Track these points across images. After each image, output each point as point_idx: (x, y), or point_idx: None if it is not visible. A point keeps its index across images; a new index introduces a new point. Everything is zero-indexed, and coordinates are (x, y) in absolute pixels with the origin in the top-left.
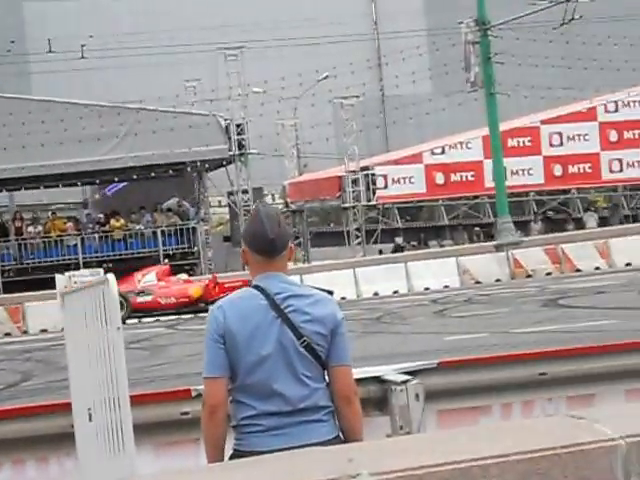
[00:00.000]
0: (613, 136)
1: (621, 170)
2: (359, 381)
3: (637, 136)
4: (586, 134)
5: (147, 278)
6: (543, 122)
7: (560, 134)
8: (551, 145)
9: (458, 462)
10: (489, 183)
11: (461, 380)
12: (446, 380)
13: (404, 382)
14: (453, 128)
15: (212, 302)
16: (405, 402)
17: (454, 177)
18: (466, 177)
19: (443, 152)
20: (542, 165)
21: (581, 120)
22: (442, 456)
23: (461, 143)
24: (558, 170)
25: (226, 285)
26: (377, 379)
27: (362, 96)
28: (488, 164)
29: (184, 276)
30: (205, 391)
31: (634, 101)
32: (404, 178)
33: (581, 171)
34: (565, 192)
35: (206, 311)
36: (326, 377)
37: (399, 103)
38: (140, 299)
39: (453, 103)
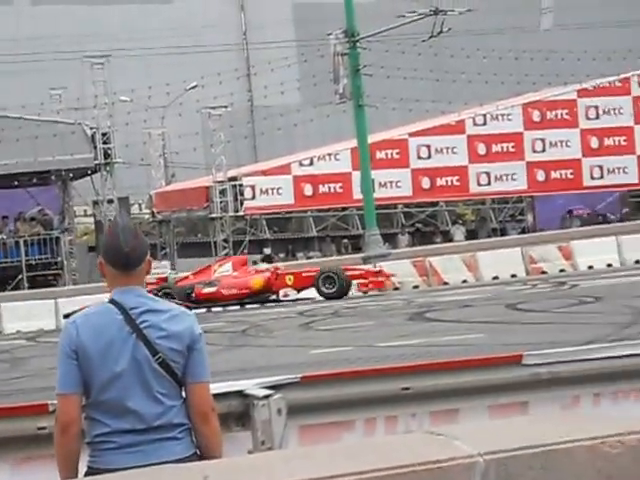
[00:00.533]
0: (481, 149)
1: (489, 183)
2: (220, 395)
3: (505, 149)
4: (454, 147)
5: (223, 268)
6: (411, 135)
7: (428, 147)
8: (419, 158)
9: None
10: (357, 195)
11: (324, 395)
12: (309, 395)
13: (266, 397)
14: (322, 139)
15: (275, 293)
16: (267, 417)
17: (322, 188)
18: (334, 189)
19: (311, 163)
20: (410, 178)
21: (450, 133)
22: (298, 473)
23: (329, 155)
24: (426, 183)
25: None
26: (239, 393)
27: (230, 106)
28: (356, 176)
29: (263, 265)
30: (57, 408)
31: (502, 114)
32: (272, 189)
33: (449, 184)
34: (433, 205)
35: (269, 301)
36: (183, 394)
37: (268, 114)
38: (205, 290)
39: (322, 114)
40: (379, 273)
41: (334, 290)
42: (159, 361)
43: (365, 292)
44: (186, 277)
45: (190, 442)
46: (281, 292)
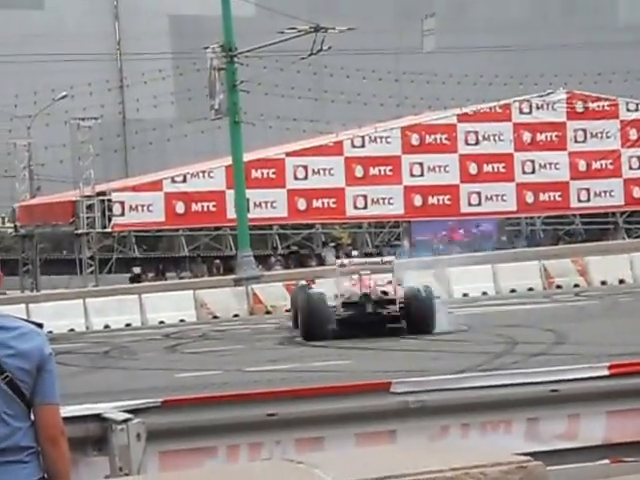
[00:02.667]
0: (359, 171)
1: (365, 207)
2: (77, 419)
3: (384, 172)
4: (332, 168)
5: None
6: (288, 154)
7: (305, 167)
8: (295, 178)
9: None
10: (231, 214)
11: (186, 420)
12: (170, 419)
13: (125, 421)
14: (196, 156)
15: None
16: (125, 442)
17: (195, 207)
18: (208, 207)
19: (184, 180)
20: (286, 198)
21: (327, 154)
22: None
23: (203, 172)
24: (302, 204)
25: None
26: (97, 417)
27: (101, 118)
28: (231, 195)
29: None
30: None
31: (381, 137)
32: (142, 206)
33: (325, 206)
34: (309, 227)
35: None
36: (31, 416)
37: (140, 127)
38: None
39: (196, 130)
40: None
41: None
42: (6, 380)
43: None
44: None
45: (37, 466)
46: None
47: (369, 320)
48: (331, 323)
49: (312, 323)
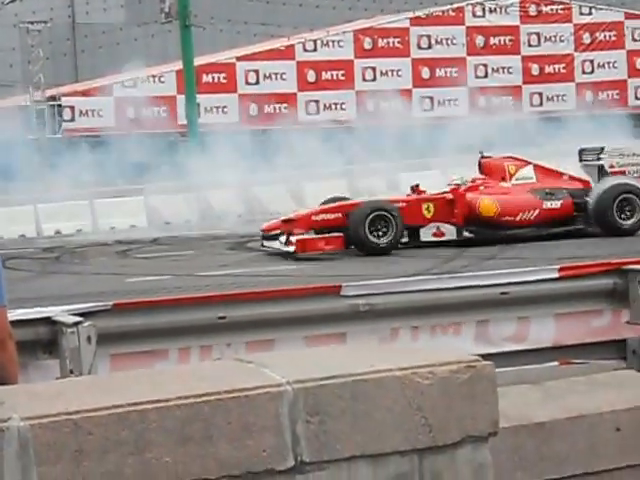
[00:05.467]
0: (311, 76)
1: (318, 112)
2: (28, 322)
3: (335, 77)
4: (284, 73)
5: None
6: (239, 59)
7: (257, 72)
8: (247, 83)
9: (116, 407)
10: (182, 120)
11: (137, 323)
12: (121, 323)
13: (76, 324)
14: (147, 60)
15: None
16: (76, 345)
17: (146, 112)
18: (159, 112)
19: (135, 85)
20: (237, 103)
21: (279, 58)
22: (99, 400)
23: (154, 77)
24: (254, 109)
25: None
26: (47, 320)
27: (50, 22)
28: (182, 100)
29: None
30: None
31: (333, 41)
32: (93, 110)
33: (277, 111)
34: (261, 132)
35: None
36: None
37: (90, 31)
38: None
39: (147, 34)
40: None
41: None
42: None
43: None
44: None
45: None
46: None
47: None
48: None
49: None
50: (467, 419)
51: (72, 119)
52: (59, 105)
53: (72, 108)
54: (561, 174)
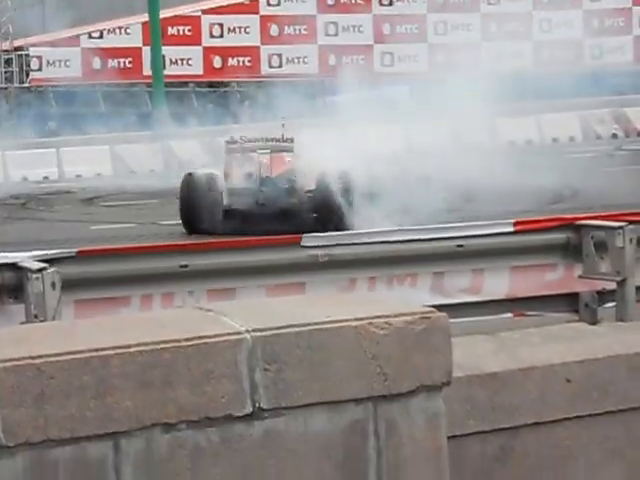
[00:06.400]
0: (274, 30)
1: (280, 65)
2: None
3: (298, 31)
4: (247, 27)
5: None
6: (204, 12)
7: (221, 25)
8: (211, 36)
9: (78, 352)
10: (147, 71)
11: (100, 270)
12: (85, 269)
13: (40, 270)
14: (113, 12)
15: None
16: (41, 290)
17: (112, 63)
18: (124, 63)
19: (101, 36)
20: (202, 56)
21: (243, 12)
22: (62, 346)
23: (120, 28)
24: (218, 62)
25: None
26: (13, 266)
27: None
28: (147, 51)
29: None
30: None
31: None
32: (60, 61)
33: (241, 64)
34: (225, 85)
35: None
36: None
37: None
38: None
39: None
40: None
41: None
42: None
43: None
44: None
45: None
46: None
47: (263, 212)
48: (217, 214)
49: (191, 213)
50: (421, 369)
51: (39, 69)
52: (27, 55)
53: (40, 58)
54: None
